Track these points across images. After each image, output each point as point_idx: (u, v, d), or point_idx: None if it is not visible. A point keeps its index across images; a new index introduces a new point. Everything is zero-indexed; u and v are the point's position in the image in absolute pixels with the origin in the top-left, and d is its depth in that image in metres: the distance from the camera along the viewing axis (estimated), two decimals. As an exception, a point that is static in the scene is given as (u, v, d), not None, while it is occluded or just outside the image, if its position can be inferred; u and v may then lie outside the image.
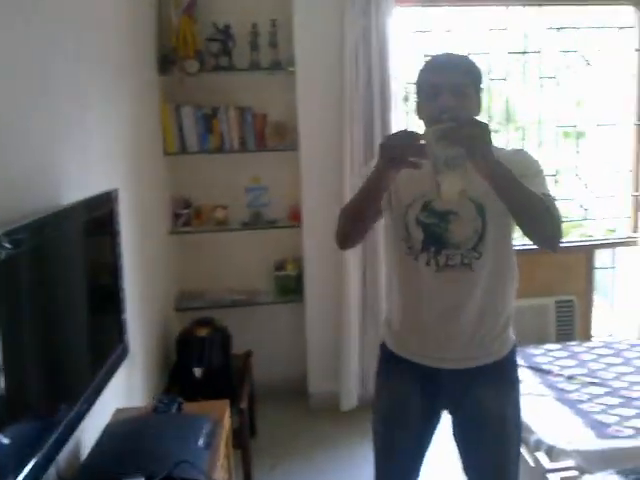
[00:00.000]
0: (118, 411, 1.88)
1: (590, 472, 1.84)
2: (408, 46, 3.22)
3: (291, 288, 3.30)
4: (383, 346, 1.69)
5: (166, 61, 3.00)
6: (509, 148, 1.64)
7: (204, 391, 2.65)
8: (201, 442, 1.57)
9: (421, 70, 1.55)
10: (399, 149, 1.32)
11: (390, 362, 1.66)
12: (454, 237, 1.50)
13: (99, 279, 1.71)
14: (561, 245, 1.44)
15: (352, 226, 1.53)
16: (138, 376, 2.42)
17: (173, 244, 3.24)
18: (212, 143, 3.12)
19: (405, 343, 1.62)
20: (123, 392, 2.13)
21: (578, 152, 3.54)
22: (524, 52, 3.36)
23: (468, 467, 1.66)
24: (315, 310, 3.22)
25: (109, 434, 1.64)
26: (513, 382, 1.63)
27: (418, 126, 1.55)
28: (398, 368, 1.63)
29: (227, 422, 1.81)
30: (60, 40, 1.70)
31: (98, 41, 2.07)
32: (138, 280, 2.47)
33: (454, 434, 1.67)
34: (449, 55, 1.58)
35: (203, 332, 2.79)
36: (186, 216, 3.22)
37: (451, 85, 1.45)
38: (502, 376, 1.60)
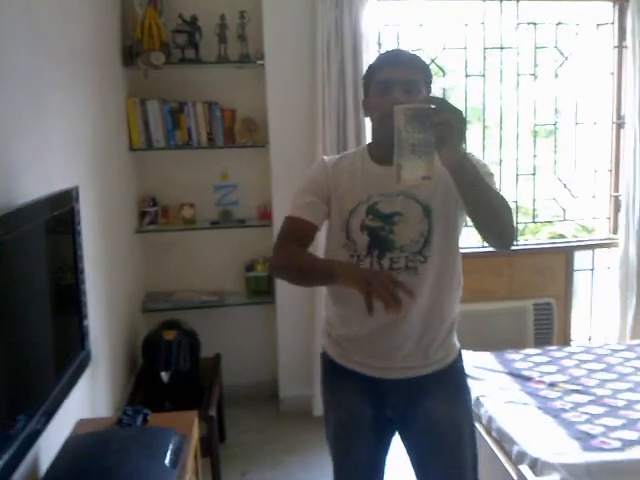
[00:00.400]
0: (80, 423, 1.76)
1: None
2: (382, 40, 3.15)
3: (261, 289, 3.23)
4: (324, 355, 1.63)
5: (130, 53, 2.86)
6: None
7: (172, 396, 2.62)
8: (167, 460, 1.47)
9: (371, 66, 1.52)
10: (383, 289, 1.21)
11: (333, 372, 1.60)
12: (399, 240, 1.46)
13: (58, 283, 1.60)
14: (513, 246, 1.41)
15: (292, 280, 1.51)
16: (103, 382, 2.33)
17: (139, 243, 3.15)
18: (179, 139, 3.01)
19: (346, 353, 1.57)
20: (86, 401, 2.04)
21: (555, 151, 3.49)
22: (501, 47, 3.30)
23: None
24: (286, 312, 3.14)
25: (68, 451, 1.52)
26: (461, 390, 1.59)
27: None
28: (342, 379, 1.58)
29: (195, 434, 1.72)
30: (13, 29, 1.59)
31: (57, 31, 1.95)
32: (103, 281, 2.40)
33: (406, 448, 1.62)
34: (400, 51, 1.56)
35: (170, 335, 2.71)
36: (152, 214, 3.11)
37: (403, 81, 1.41)
38: (449, 385, 1.56)
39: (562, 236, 3.87)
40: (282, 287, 3.10)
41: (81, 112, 2.21)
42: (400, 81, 1.40)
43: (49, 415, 1.40)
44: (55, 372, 1.50)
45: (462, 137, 1.22)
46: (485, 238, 1.43)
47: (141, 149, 3.00)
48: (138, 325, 3.01)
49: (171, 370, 2.64)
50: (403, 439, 1.62)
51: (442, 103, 1.24)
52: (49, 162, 1.82)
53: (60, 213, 1.55)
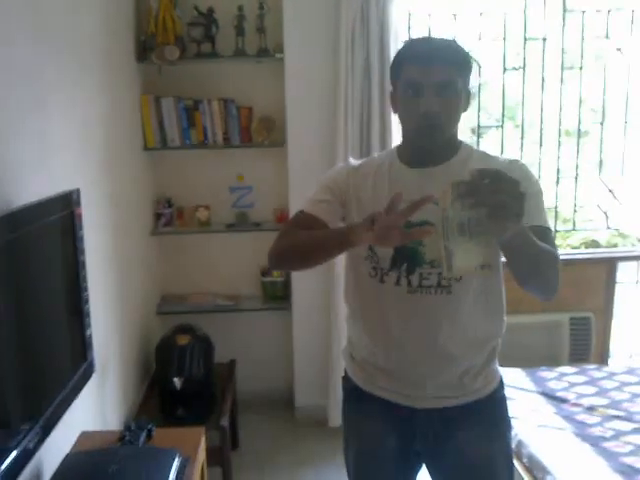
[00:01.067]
0: (83, 435, 1.68)
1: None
2: (411, 31, 2.98)
3: (278, 294, 3.14)
4: (346, 379, 1.48)
5: (144, 48, 2.76)
6: (502, 157, 1.40)
7: (184, 403, 2.59)
8: (168, 486, 1.36)
9: (400, 56, 1.32)
10: (397, 235, 1.08)
11: (357, 398, 1.45)
12: (429, 253, 1.28)
13: (57, 292, 1.50)
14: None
15: (294, 263, 1.39)
16: (114, 387, 2.30)
17: (155, 246, 3.09)
18: (194, 138, 2.89)
19: (371, 377, 1.41)
20: (94, 409, 2.01)
21: (602, 152, 3.24)
22: (544, 39, 3.07)
23: None
24: (303, 318, 3.03)
25: (65, 470, 1.43)
26: (501, 423, 1.42)
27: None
28: (366, 405, 1.42)
29: (202, 453, 1.61)
30: (14, 21, 1.50)
31: (64, 24, 1.87)
32: (116, 283, 2.37)
33: None
34: (433, 45, 1.30)
35: (184, 340, 2.67)
36: (168, 216, 3.03)
37: (436, 84, 1.23)
38: (487, 417, 1.38)
39: (596, 242, 3.65)
40: (299, 293, 3.02)
41: (90, 110, 2.13)
42: (432, 84, 1.23)
43: (46, 430, 1.32)
44: (53, 384, 1.41)
45: (520, 214, 1.00)
46: (523, 289, 1.26)
47: (156, 149, 2.90)
48: (153, 328, 2.96)
49: (184, 376, 2.59)
50: (431, 474, 1.47)
51: (497, 175, 1.00)
52: (52, 162, 1.74)
53: (58, 218, 1.45)
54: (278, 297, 3.12)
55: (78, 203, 1.55)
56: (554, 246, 1.26)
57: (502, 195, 0.97)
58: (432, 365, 1.34)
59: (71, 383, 1.46)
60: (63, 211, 1.47)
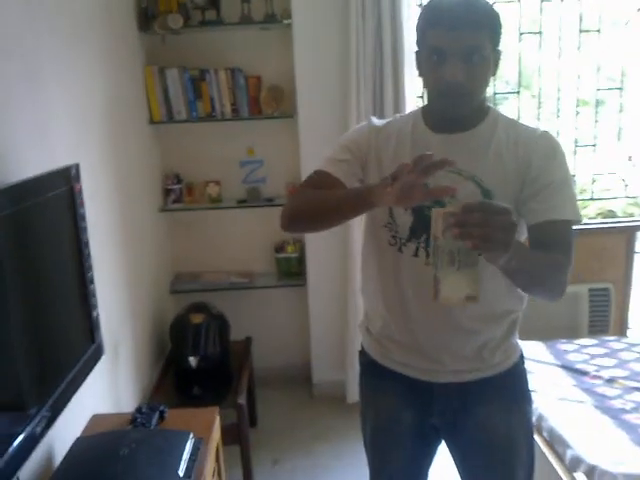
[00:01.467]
0: (94, 418, 1.66)
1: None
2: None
3: (292, 271, 3.08)
4: (363, 353, 1.45)
5: (146, 16, 2.66)
6: (531, 126, 1.30)
7: (200, 381, 2.57)
8: (181, 470, 1.31)
9: (421, 19, 1.21)
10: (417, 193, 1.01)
11: (373, 372, 1.42)
12: None
13: (59, 272, 1.44)
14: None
15: (308, 224, 1.31)
16: (127, 368, 2.27)
17: (164, 222, 3.03)
18: (201, 110, 2.81)
19: (388, 352, 1.37)
20: (106, 390, 1.98)
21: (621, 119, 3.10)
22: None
23: None
24: (319, 294, 2.98)
25: (75, 455, 1.41)
26: (521, 398, 1.38)
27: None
28: (383, 380, 1.39)
29: (216, 433, 1.56)
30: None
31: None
32: (125, 262, 2.32)
33: (453, 458, 1.43)
34: (457, 4, 1.16)
35: (198, 319, 2.65)
36: (177, 192, 2.96)
37: (461, 51, 1.14)
38: (508, 391, 1.34)
39: (612, 212, 3.51)
40: (314, 269, 2.96)
41: (91, 83, 2.06)
42: (458, 51, 1.14)
43: (54, 414, 1.28)
44: (60, 368, 1.37)
45: (509, 244, 0.97)
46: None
47: (162, 122, 2.83)
48: (167, 307, 2.93)
49: (199, 355, 2.57)
50: (450, 449, 1.43)
51: (488, 208, 0.96)
52: (51, 137, 1.68)
53: (56, 194, 1.38)
54: (293, 273, 3.06)
55: (77, 179, 1.47)
56: (568, 243, 1.19)
57: (488, 228, 0.93)
58: (449, 339, 1.30)
59: (79, 366, 1.42)
60: (61, 187, 1.40)
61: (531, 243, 1.23)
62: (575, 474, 1.72)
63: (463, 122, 1.25)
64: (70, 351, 1.42)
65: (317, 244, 2.89)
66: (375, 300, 1.37)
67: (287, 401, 3.05)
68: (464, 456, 1.40)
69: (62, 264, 1.44)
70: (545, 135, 1.25)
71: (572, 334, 2.80)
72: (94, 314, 1.52)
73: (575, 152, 3.10)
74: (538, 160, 1.20)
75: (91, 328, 1.52)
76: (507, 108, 3.13)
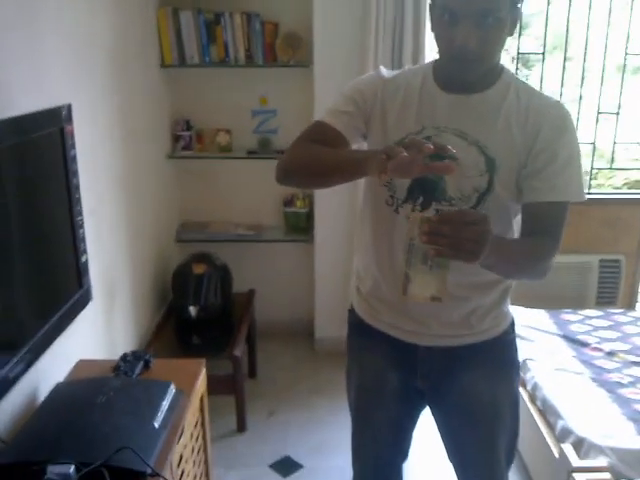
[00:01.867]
0: (80, 364, 1.65)
1: (627, 477, 1.53)
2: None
3: (300, 226, 3.05)
4: (352, 312, 1.43)
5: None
6: (545, 95, 1.24)
7: (200, 331, 2.60)
8: (157, 421, 1.30)
9: None
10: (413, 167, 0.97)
11: (361, 332, 1.41)
12: (449, 189, 1.18)
13: (45, 215, 1.42)
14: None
15: (302, 181, 1.28)
16: (123, 315, 2.25)
17: (173, 170, 2.99)
18: (215, 55, 2.73)
19: (376, 312, 1.35)
20: (98, 338, 1.95)
21: None
22: None
23: (452, 459, 1.43)
24: (325, 251, 2.95)
25: (53, 400, 1.39)
26: (509, 366, 1.36)
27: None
28: (369, 340, 1.38)
29: (201, 386, 1.56)
30: None
31: None
32: (127, 207, 2.28)
33: (436, 423, 1.42)
34: None
35: (200, 269, 2.65)
36: (187, 139, 2.91)
37: (475, 13, 1.07)
38: (495, 358, 1.33)
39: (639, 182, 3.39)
40: (321, 225, 2.93)
41: (97, 21, 1.98)
42: (471, 14, 1.07)
43: (33, 358, 1.29)
44: (42, 312, 1.36)
45: (480, 254, 0.97)
46: None
47: (173, 66, 2.76)
48: (172, 256, 2.92)
49: (199, 305, 2.57)
50: (434, 413, 1.42)
51: (464, 218, 0.96)
52: (47, 75, 1.60)
53: (44, 135, 1.34)
54: (300, 228, 3.04)
55: (69, 120, 1.43)
56: (562, 225, 1.17)
57: (458, 240, 0.94)
58: (437, 305, 1.24)
59: (63, 310, 1.41)
60: (51, 128, 1.36)
61: (524, 220, 1.20)
62: (563, 445, 1.71)
63: (473, 84, 1.19)
64: (55, 295, 1.41)
65: (327, 200, 2.84)
66: (367, 260, 1.35)
67: (288, 355, 3.07)
68: (446, 421, 1.40)
69: (50, 207, 1.41)
70: (558, 105, 1.19)
71: (579, 305, 2.76)
72: (82, 259, 1.50)
73: (597, 120, 2.98)
74: (547, 130, 1.15)
75: (79, 273, 1.50)
76: (538, 72, 2.99)
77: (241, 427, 2.47)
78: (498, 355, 1.33)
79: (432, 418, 1.43)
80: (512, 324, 1.35)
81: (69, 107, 1.44)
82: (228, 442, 2.40)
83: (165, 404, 1.37)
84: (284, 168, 1.24)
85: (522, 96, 1.18)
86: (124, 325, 2.25)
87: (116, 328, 2.13)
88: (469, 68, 1.13)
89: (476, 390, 1.31)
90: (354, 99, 1.25)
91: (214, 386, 2.45)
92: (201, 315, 2.57)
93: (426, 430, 1.57)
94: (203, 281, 2.58)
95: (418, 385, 1.36)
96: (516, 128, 1.16)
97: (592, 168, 3.07)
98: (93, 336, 1.85)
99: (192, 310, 2.57)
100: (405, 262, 1.03)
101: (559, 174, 1.15)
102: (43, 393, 1.48)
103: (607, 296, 3.03)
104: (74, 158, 1.47)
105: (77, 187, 1.50)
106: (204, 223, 3.06)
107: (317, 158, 1.19)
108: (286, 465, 2.29)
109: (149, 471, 1.13)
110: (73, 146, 1.47)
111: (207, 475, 1.63)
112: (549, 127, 1.15)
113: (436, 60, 1.25)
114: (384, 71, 1.29)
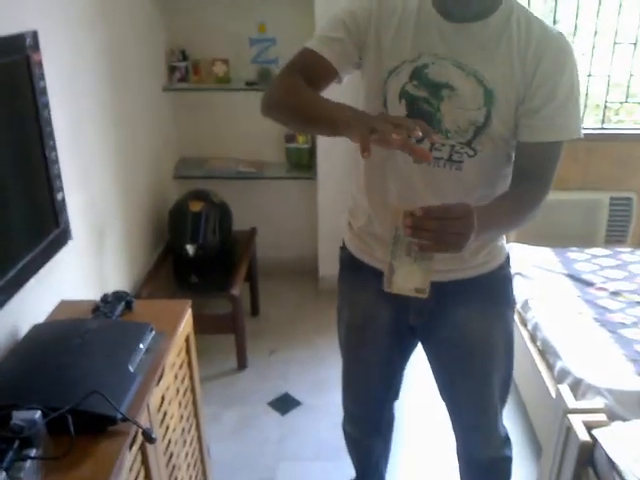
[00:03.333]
0: (61, 304, 1.59)
1: (622, 418, 1.49)
2: None
3: (303, 162, 2.97)
4: (343, 249, 1.41)
5: None
6: (547, 24, 1.13)
7: (198, 270, 2.56)
8: (133, 364, 1.26)
9: None
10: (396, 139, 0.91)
11: (352, 268, 1.38)
12: (446, 121, 1.13)
13: (12, 151, 1.33)
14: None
15: (283, 121, 1.18)
16: (115, 254, 2.19)
17: (169, 103, 2.89)
18: (209, -22, 2.56)
19: (368, 248, 1.32)
20: (88, 278, 1.89)
21: None
22: None
23: (445, 395, 1.43)
24: (328, 188, 2.88)
25: (29, 341, 1.34)
26: (504, 301, 1.34)
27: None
28: (361, 276, 1.35)
29: (185, 327, 1.52)
30: None
31: None
32: (119, 142, 2.19)
33: (428, 359, 1.42)
34: None
35: (197, 207, 2.60)
36: (183, 70, 2.79)
37: None
38: (489, 294, 1.30)
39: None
40: (324, 162, 2.83)
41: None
42: None
43: (4, 299, 1.25)
44: (13, 252, 1.31)
45: (462, 246, 0.98)
46: None
47: (166, -9, 2.60)
48: (170, 193, 2.86)
49: (197, 243, 2.52)
50: (426, 349, 1.41)
51: (448, 213, 0.96)
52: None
53: (4, 64, 1.24)
54: (303, 165, 2.95)
55: (36, 47, 1.33)
56: (555, 166, 1.15)
57: (441, 234, 0.95)
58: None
59: (38, 250, 1.36)
60: (13, 56, 1.26)
61: (516, 158, 1.17)
62: (560, 386, 1.67)
63: (473, 10, 1.10)
64: (28, 234, 1.36)
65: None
66: (361, 195, 1.30)
67: (292, 293, 3.05)
68: (439, 356, 1.38)
69: (20, 142, 1.33)
70: (560, 37, 1.11)
71: (587, 243, 2.67)
72: (58, 197, 1.43)
73: (613, 51, 2.78)
74: (547, 63, 1.08)
75: (54, 211, 1.43)
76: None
77: (241, 365, 2.48)
78: (493, 290, 1.30)
79: (424, 356, 1.41)
80: (507, 259, 1.33)
81: (34, 34, 1.33)
82: (228, 380, 2.43)
83: (142, 346, 1.33)
84: (267, 103, 1.16)
85: (524, 24, 1.10)
86: (116, 265, 2.20)
87: (107, 268, 2.08)
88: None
89: (470, 326, 1.29)
90: (346, 23, 1.15)
91: (215, 325, 2.46)
92: (199, 254, 2.52)
93: (418, 370, 1.54)
94: (201, 219, 2.53)
95: (410, 321, 1.33)
96: (517, 58, 1.09)
97: (606, 102, 2.90)
98: (80, 277, 1.80)
99: (189, 248, 2.52)
100: (390, 253, 1.03)
101: (558, 112, 1.10)
102: (23, 333, 1.45)
103: (617, 234, 2.95)
104: (44, 89, 1.38)
105: (48, 120, 1.41)
106: (203, 159, 2.98)
107: (296, 106, 1.11)
108: (285, 402, 2.31)
109: (119, 416, 1.10)
110: (42, 77, 1.37)
111: (196, 415, 1.62)
112: (550, 59, 1.08)
113: None
114: None
